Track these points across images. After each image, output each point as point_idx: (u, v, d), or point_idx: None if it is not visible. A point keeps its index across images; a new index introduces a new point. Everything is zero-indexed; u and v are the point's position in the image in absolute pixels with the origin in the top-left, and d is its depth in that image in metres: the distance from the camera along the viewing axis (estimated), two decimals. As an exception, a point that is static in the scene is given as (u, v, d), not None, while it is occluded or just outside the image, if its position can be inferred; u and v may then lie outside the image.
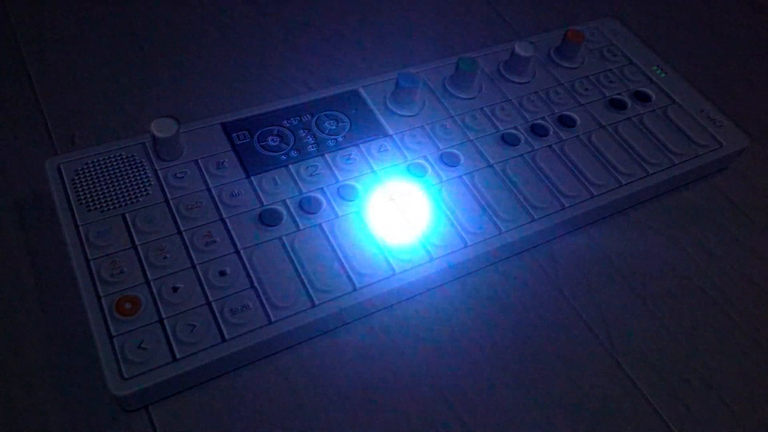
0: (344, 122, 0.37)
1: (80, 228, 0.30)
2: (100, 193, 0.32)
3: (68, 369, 0.28)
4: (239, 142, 0.35)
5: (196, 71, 0.41)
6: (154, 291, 0.29)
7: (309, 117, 0.36)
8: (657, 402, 0.31)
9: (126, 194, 0.32)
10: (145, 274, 0.29)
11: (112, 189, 0.32)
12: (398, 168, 0.35)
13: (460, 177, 0.35)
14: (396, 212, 0.33)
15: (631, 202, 0.38)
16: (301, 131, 0.36)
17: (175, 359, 0.27)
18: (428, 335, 0.31)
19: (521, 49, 0.39)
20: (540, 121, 0.39)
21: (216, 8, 0.46)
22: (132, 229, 0.31)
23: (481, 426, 0.29)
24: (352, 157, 0.35)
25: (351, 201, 0.33)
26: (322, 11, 0.47)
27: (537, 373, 0.31)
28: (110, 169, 0.33)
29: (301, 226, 0.32)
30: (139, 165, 0.33)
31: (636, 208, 0.38)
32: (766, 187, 0.41)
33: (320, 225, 0.32)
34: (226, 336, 0.28)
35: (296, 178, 0.34)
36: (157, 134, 0.32)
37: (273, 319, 0.29)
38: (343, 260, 0.31)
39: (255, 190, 0.33)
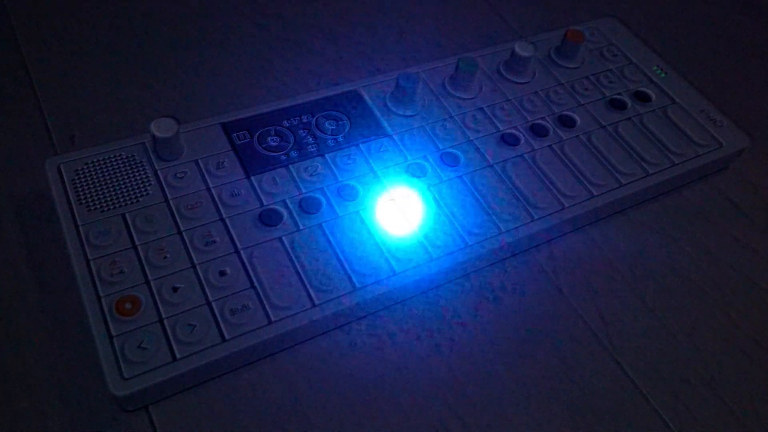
0: (344, 122, 0.37)
1: (80, 228, 0.30)
2: (100, 193, 0.32)
3: (68, 369, 0.28)
4: (239, 142, 0.35)
5: (196, 71, 0.41)
6: (154, 291, 0.29)
7: (309, 117, 0.36)
8: (657, 402, 0.31)
9: (126, 194, 0.32)
10: (145, 274, 0.29)
11: (112, 189, 0.32)
12: (398, 168, 0.35)
13: (460, 177, 0.35)
14: (396, 212, 0.33)
15: (631, 202, 0.38)
16: (301, 131, 0.36)
17: (175, 359, 0.27)
18: (428, 335, 0.31)
19: (521, 49, 0.39)
20: (540, 121, 0.39)
21: (216, 8, 0.46)
22: (132, 229, 0.31)
23: (481, 426, 0.29)
24: (352, 157, 0.35)
25: (351, 201, 0.33)
26: (322, 11, 0.47)
27: (537, 373, 0.31)
28: (110, 169, 0.33)
29: (301, 226, 0.32)
30: (139, 165, 0.33)
31: (636, 208, 0.38)
32: (766, 187, 0.41)
33: (320, 225, 0.32)
34: (226, 336, 0.28)
35: (296, 178, 0.34)
36: (157, 134, 0.32)
37: (273, 319, 0.29)
38: (343, 260, 0.31)
39: (255, 190, 0.33)
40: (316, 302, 0.29)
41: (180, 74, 0.41)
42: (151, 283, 0.29)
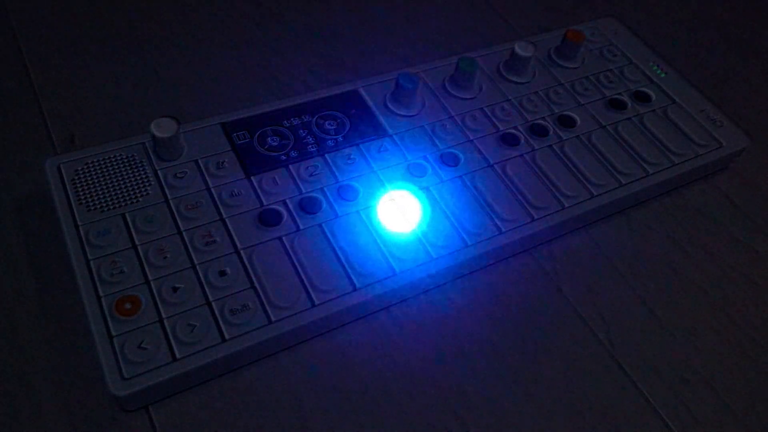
0: (344, 122, 0.37)
1: (80, 228, 0.30)
2: (100, 193, 0.32)
3: (68, 369, 0.28)
4: (239, 142, 0.35)
5: (196, 71, 0.41)
6: (154, 291, 0.29)
7: (309, 117, 0.36)
8: (657, 402, 0.31)
9: (126, 194, 0.32)
10: (145, 274, 0.29)
11: (112, 189, 0.32)
12: (398, 168, 0.35)
13: (460, 177, 0.35)
14: (396, 212, 0.33)
15: (631, 202, 0.38)
16: (301, 131, 0.36)
17: (175, 359, 0.27)
18: (428, 335, 0.31)
19: (521, 49, 0.39)
20: (540, 121, 0.39)
21: (216, 8, 0.46)
22: (132, 229, 0.31)
23: (481, 426, 0.29)
24: (352, 157, 0.35)
25: (351, 201, 0.33)
26: (322, 11, 0.47)
27: (537, 373, 0.31)
28: (110, 169, 0.33)
29: (301, 226, 0.32)
30: (139, 165, 0.33)
31: (636, 208, 0.38)
32: (766, 187, 0.41)
33: (320, 225, 0.32)
34: (226, 336, 0.28)
35: (296, 178, 0.34)
36: (157, 134, 0.32)
37: (273, 319, 0.29)
38: (343, 260, 0.31)
39: (255, 190, 0.33)
40: (316, 302, 0.29)
41: (180, 74, 0.41)
42: (151, 283, 0.29)
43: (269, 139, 0.35)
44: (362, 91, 0.38)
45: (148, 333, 0.28)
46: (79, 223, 0.31)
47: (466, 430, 0.29)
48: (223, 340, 0.28)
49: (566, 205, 0.35)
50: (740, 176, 0.41)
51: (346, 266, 0.31)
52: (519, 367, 0.31)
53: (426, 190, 0.34)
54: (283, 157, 0.34)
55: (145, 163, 0.33)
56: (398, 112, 0.37)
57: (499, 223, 0.34)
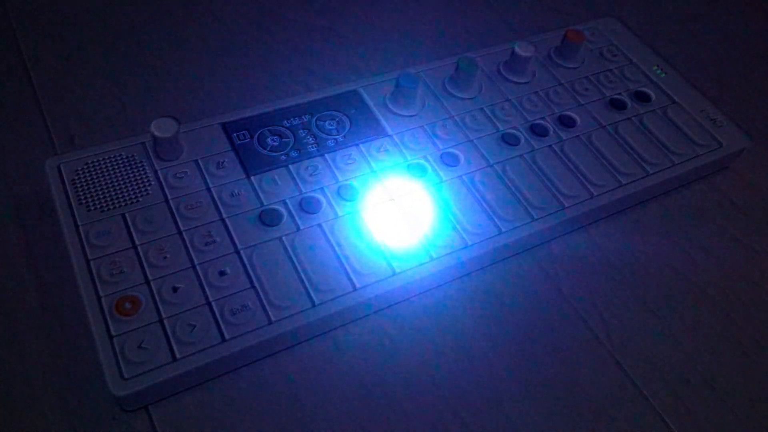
0: (344, 122, 0.37)
1: (80, 228, 0.30)
2: (100, 193, 0.32)
3: (68, 369, 0.28)
4: (239, 142, 0.35)
5: (196, 71, 0.41)
6: (154, 291, 0.29)
7: (309, 117, 0.36)
8: (657, 402, 0.31)
9: (126, 194, 0.32)
10: (145, 274, 0.29)
11: (112, 189, 0.32)
12: (398, 168, 0.35)
13: (460, 177, 0.35)
14: (396, 212, 0.33)
15: (631, 202, 0.38)
16: (301, 131, 0.36)
17: (175, 359, 0.27)
18: (428, 335, 0.31)
19: (521, 49, 0.39)
20: (540, 121, 0.39)
21: (216, 8, 0.46)
22: (132, 229, 0.31)
23: (481, 426, 0.29)
24: (352, 157, 0.35)
25: (351, 201, 0.33)
26: (322, 11, 0.47)
27: (537, 373, 0.31)
28: (110, 169, 0.33)
29: (301, 226, 0.32)
30: (139, 165, 0.33)
31: (636, 208, 0.38)
32: (766, 187, 0.41)
33: (320, 225, 0.32)
34: (226, 336, 0.28)
35: (296, 178, 0.34)
36: (157, 134, 0.32)
37: (273, 319, 0.29)
38: (343, 260, 0.31)
39: (255, 190, 0.33)
40: (316, 302, 0.29)
41: (180, 74, 0.41)
42: (151, 283, 0.29)
43: (269, 139, 0.35)
44: (362, 91, 0.38)
45: (148, 333, 0.28)
46: (79, 223, 0.31)
47: (467, 429, 0.29)
48: (223, 340, 0.28)
49: (566, 205, 0.35)
50: (740, 176, 0.41)
51: (346, 266, 0.31)
52: (519, 367, 0.31)
53: (426, 190, 0.34)
54: (283, 157, 0.34)
55: (145, 163, 0.33)
56: (398, 112, 0.37)
57: (499, 223, 0.34)
